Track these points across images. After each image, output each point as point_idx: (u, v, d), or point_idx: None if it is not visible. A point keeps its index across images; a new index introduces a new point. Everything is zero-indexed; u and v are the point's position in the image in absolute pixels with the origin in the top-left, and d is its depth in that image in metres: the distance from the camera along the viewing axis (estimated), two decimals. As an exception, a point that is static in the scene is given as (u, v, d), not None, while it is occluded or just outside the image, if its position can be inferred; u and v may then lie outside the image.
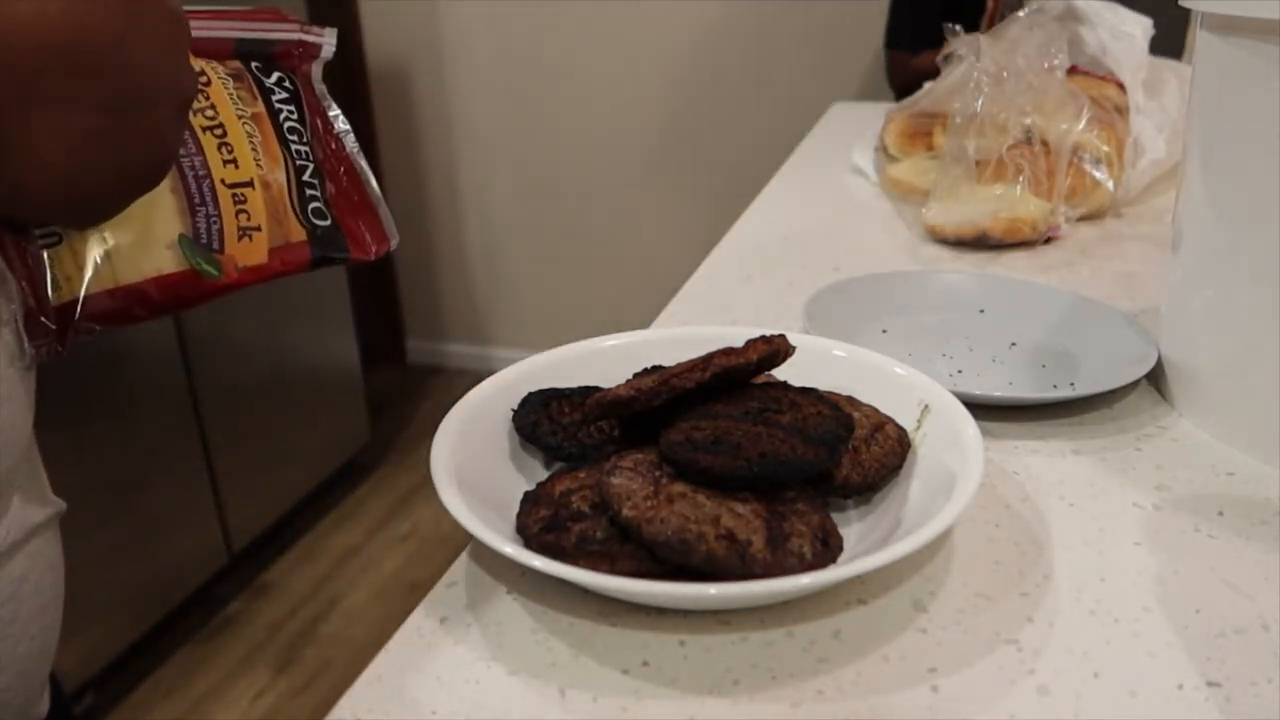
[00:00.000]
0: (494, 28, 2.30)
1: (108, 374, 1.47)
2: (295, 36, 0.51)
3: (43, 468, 0.48)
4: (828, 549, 0.39)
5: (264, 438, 1.84)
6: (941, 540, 0.44)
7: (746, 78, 2.18)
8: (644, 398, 0.43)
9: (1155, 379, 0.58)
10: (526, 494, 0.43)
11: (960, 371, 0.59)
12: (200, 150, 0.45)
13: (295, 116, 0.50)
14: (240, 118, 0.47)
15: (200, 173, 0.45)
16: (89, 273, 0.42)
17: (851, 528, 0.44)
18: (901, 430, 0.47)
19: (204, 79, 0.46)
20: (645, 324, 0.66)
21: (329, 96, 0.52)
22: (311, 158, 0.50)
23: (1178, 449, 0.51)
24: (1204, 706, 0.35)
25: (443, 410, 0.46)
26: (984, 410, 0.53)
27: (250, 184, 0.46)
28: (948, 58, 0.97)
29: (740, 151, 2.24)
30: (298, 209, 0.48)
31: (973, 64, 0.87)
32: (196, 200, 0.44)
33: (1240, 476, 0.49)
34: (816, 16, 2.09)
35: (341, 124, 0.52)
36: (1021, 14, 0.92)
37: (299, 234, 0.48)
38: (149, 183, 0.40)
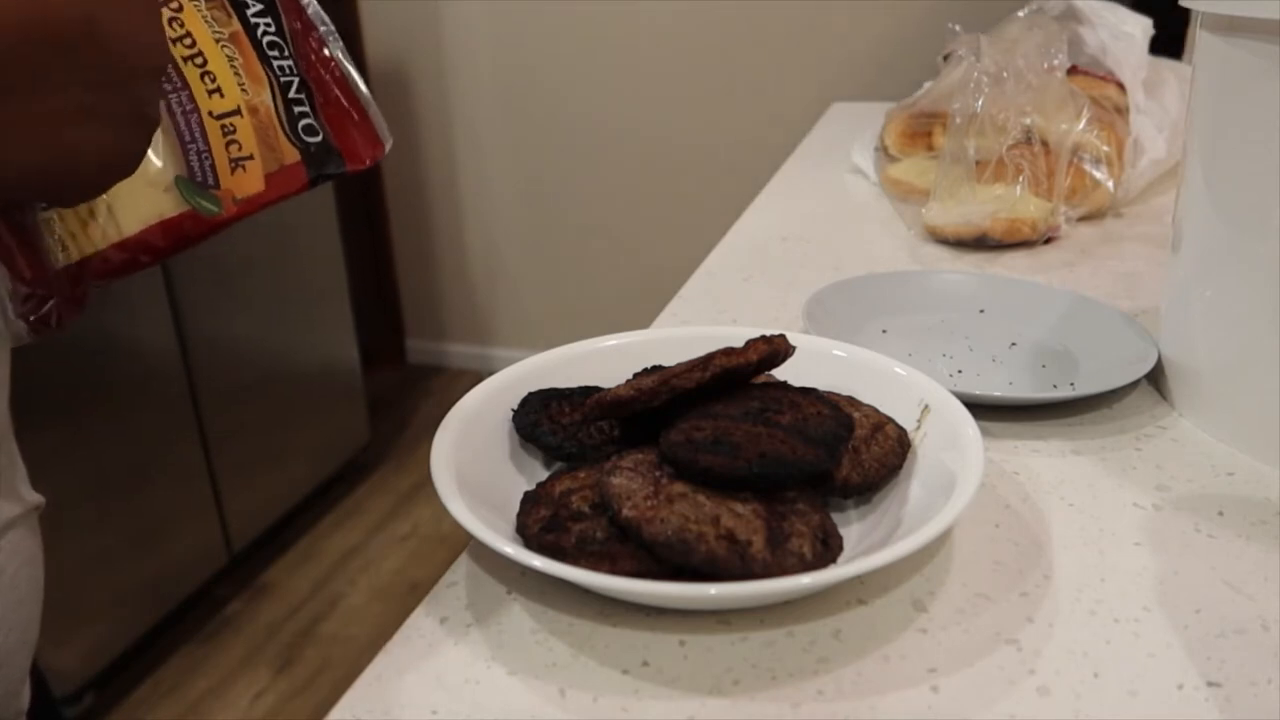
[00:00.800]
0: (494, 28, 2.30)
1: (108, 373, 1.47)
2: None
3: (21, 461, 0.48)
4: (828, 549, 0.39)
5: (264, 438, 1.84)
6: (941, 540, 0.44)
7: (746, 78, 2.18)
8: (644, 398, 0.43)
9: (1155, 379, 0.58)
10: (526, 494, 0.43)
11: (960, 371, 0.59)
12: (185, 84, 0.43)
13: (274, 30, 0.47)
14: (218, 40, 0.45)
15: (188, 108, 0.43)
16: (94, 229, 0.41)
17: (851, 528, 0.44)
18: (901, 430, 0.47)
19: (174, 4, 0.44)
20: (645, 324, 0.66)
21: None
22: (295, 70, 0.47)
23: (1178, 449, 0.51)
24: (1204, 706, 0.35)
25: (443, 410, 0.46)
26: (984, 410, 0.53)
27: (237, 112, 0.44)
28: (947, 57, 0.97)
29: (740, 151, 2.24)
30: (287, 129, 0.46)
31: (973, 64, 0.86)
32: (187, 138, 0.43)
33: (1240, 476, 0.49)
34: (816, 16, 2.09)
35: (322, 24, 0.49)
36: (1021, 14, 0.92)
37: (292, 155, 0.46)
38: (134, 159, 0.37)
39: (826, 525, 0.40)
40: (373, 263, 2.55)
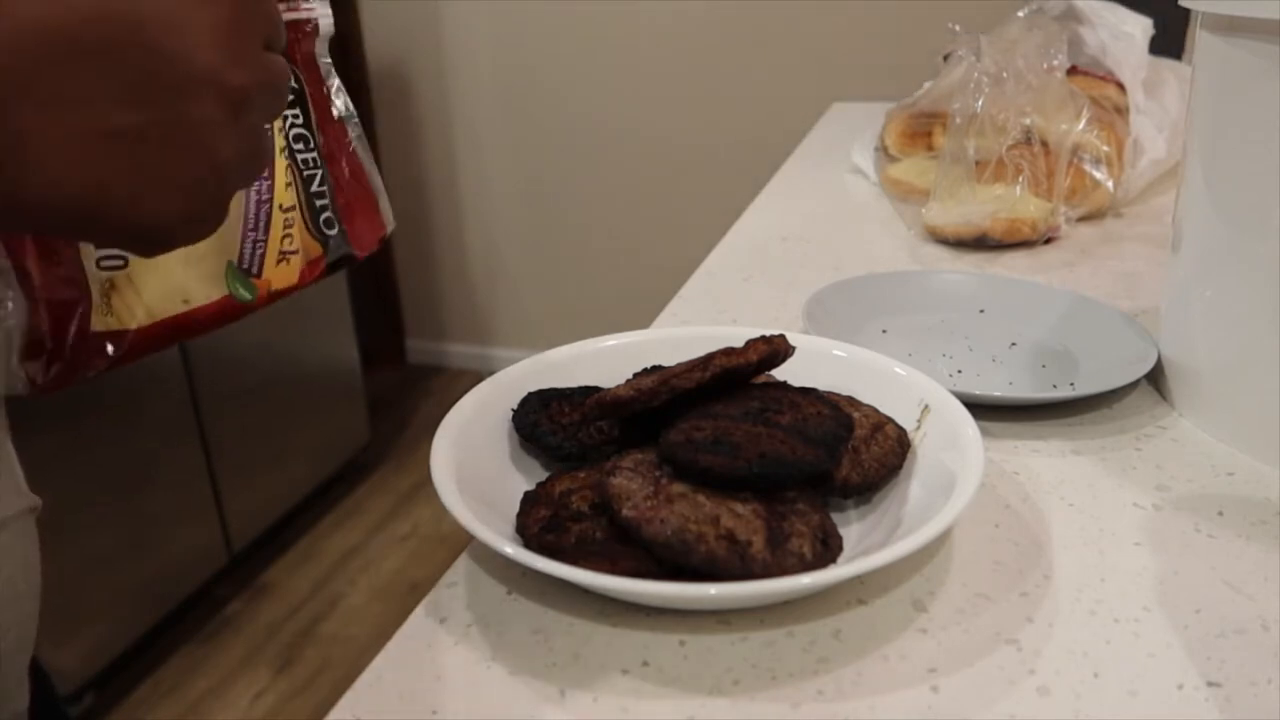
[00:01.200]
0: (494, 28, 2.30)
1: (108, 374, 1.47)
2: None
3: (17, 463, 0.48)
4: (828, 549, 0.39)
5: (264, 438, 1.84)
6: (941, 540, 0.44)
7: (746, 78, 2.18)
8: (644, 398, 0.43)
9: (1155, 379, 0.58)
10: (526, 494, 0.43)
11: (960, 371, 0.59)
12: (272, 174, 0.42)
13: (301, 122, 0.46)
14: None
15: (264, 197, 0.42)
16: (132, 303, 0.40)
17: (851, 528, 0.44)
18: (901, 430, 0.47)
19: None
20: (645, 324, 0.66)
21: (335, 74, 0.48)
22: (320, 163, 0.47)
23: (1178, 449, 0.51)
24: (1204, 706, 0.35)
25: (443, 410, 0.46)
26: (984, 410, 0.53)
27: (295, 207, 0.44)
28: (947, 57, 0.97)
29: (740, 151, 2.23)
30: (309, 222, 0.46)
31: (973, 64, 0.86)
32: (250, 225, 0.42)
33: (1240, 476, 0.49)
34: (816, 16, 2.09)
35: (343, 107, 0.48)
36: (1021, 14, 0.92)
37: (316, 249, 0.46)
38: (204, 195, 0.32)
39: (826, 525, 0.40)
40: (373, 263, 2.55)
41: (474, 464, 0.44)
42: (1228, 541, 0.44)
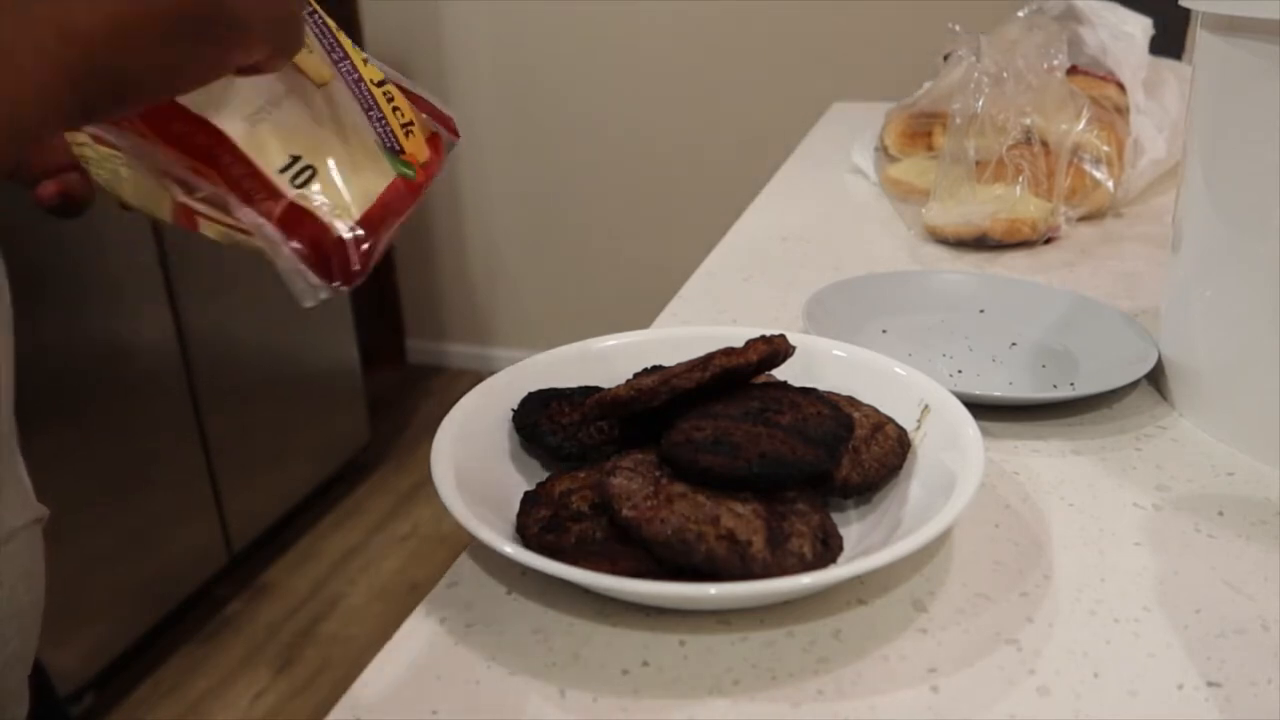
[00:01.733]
0: (494, 28, 2.30)
1: (108, 374, 1.47)
2: None
3: (25, 473, 0.48)
4: (828, 549, 0.39)
5: (264, 438, 1.84)
6: (941, 540, 0.44)
7: (747, 78, 2.18)
8: (644, 398, 0.43)
9: (1155, 379, 0.58)
10: (526, 494, 0.43)
11: (960, 371, 0.59)
12: (345, 52, 0.42)
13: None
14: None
15: (354, 75, 0.42)
16: (349, 193, 0.40)
17: (851, 528, 0.44)
18: (901, 430, 0.47)
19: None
20: (645, 324, 0.66)
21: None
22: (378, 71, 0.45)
23: (1178, 449, 0.51)
24: (1204, 706, 0.35)
25: (443, 410, 0.46)
26: (984, 410, 0.53)
27: (385, 81, 0.43)
28: (948, 57, 0.97)
29: (740, 151, 2.23)
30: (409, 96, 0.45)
31: (973, 64, 0.86)
32: (365, 105, 0.42)
33: (1240, 476, 0.49)
34: (816, 17, 2.09)
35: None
36: (1021, 14, 0.92)
37: (428, 125, 0.45)
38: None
39: (826, 525, 0.40)
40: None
41: (474, 464, 0.44)
42: (1228, 541, 0.44)
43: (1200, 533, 0.44)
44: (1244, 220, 0.50)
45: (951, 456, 0.44)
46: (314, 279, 0.40)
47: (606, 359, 0.53)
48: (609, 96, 2.29)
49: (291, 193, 0.39)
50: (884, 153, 1.02)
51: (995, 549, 0.43)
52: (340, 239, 0.39)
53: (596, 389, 0.49)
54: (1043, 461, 0.50)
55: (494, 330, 2.64)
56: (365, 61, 0.43)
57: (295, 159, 0.39)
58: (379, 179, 0.41)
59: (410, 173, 0.43)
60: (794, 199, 0.98)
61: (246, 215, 0.39)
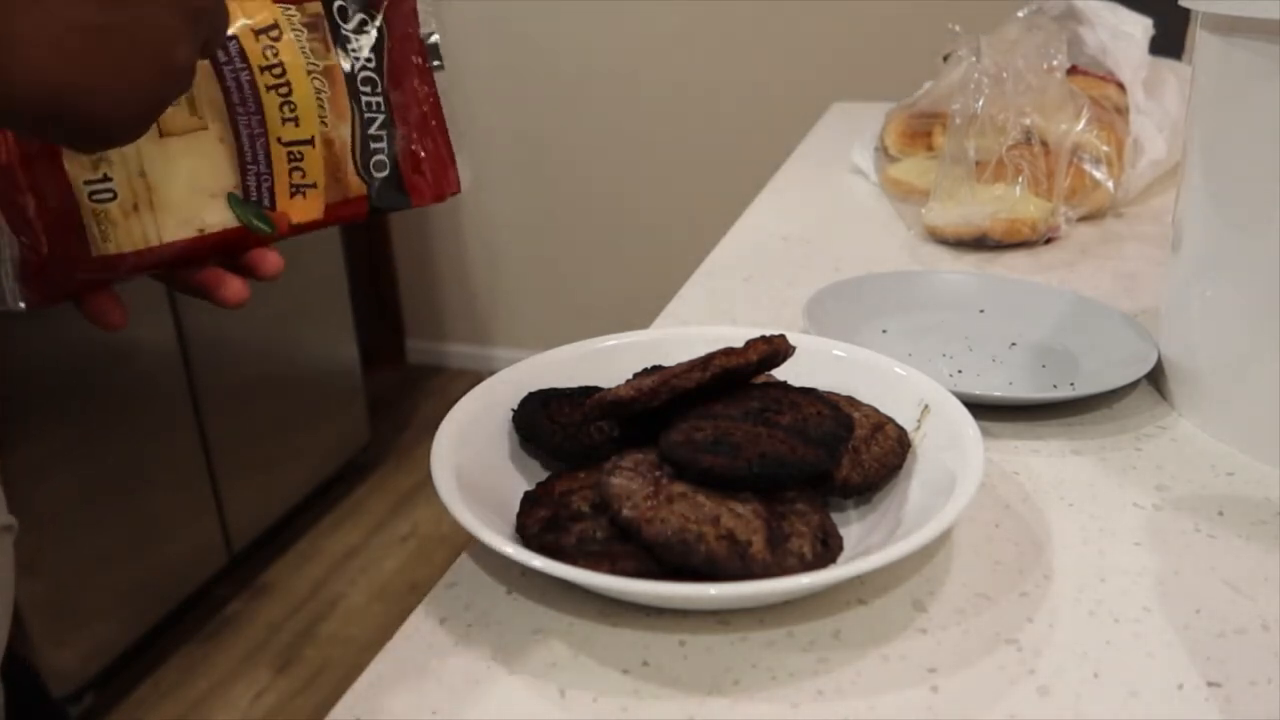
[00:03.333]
0: (494, 28, 2.30)
1: (108, 374, 1.47)
2: None
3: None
4: (828, 549, 0.39)
5: (264, 438, 1.84)
6: (941, 540, 0.44)
7: (747, 78, 2.18)
8: (644, 398, 0.43)
9: (1155, 379, 0.58)
10: (526, 494, 0.43)
11: (960, 371, 0.59)
12: (259, 109, 0.44)
13: (373, 66, 0.47)
14: (310, 73, 0.45)
15: (255, 131, 0.44)
16: (135, 226, 0.42)
17: (851, 528, 0.44)
18: (901, 430, 0.47)
19: (274, 32, 0.44)
20: (645, 324, 0.66)
21: (435, 24, 0.49)
22: (384, 108, 0.48)
23: (1178, 449, 0.51)
24: (1204, 706, 0.35)
25: (443, 410, 0.46)
26: (984, 410, 0.53)
27: (310, 142, 0.45)
28: (948, 58, 0.97)
29: (740, 151, 2.23)
30: (359, 163, 0.47)
31: (973, 64, 0.86)
32: (248, 159, 0.44)
33: (1240, 476, 0.49)
34: (816, 16, 2.09)
35: (437, 60, 0.50)
36: (1021, 14, 0.92)
37: (359, 188, 0.47)
38: (154, 96, 0.35)
39: (826, 525, 0.40)
40: (373, 263, 2.55)
41: (474, 464, 0.44)
42: (1228, 541, 0.44)
43: (1200, 533, 0.44)
44: (1244, 220, 0.50)
45: (951, 456, 0.44)
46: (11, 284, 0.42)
47: (606, 359, 0.53)
48: (608, 96, 2.29)
49: (81, 201, 0.41)
50: (884, 153, 1.02)
51: (995, 549, 0.43)
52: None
53: (596, 389, 0.49)
54: (1043, 461, 0.50)
55: (494, 330, 2.64)
56: (287, 121, 0.45)
57: (107, 179, 0.41)
58: (197, 220, 0.44)
59: (266, 228, 0.45)
60: (794, 199, 0.98)
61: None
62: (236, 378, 1.76)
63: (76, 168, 0.41)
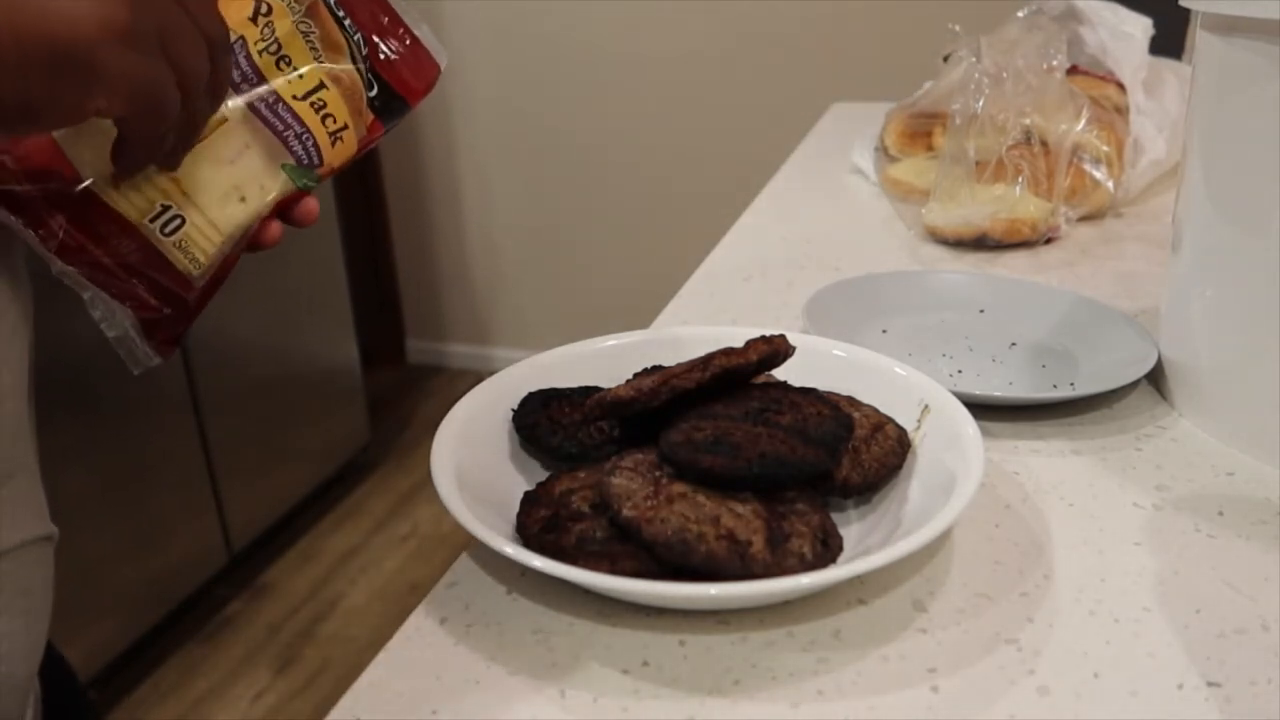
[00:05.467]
0: (495, 28, 2.30)
1: (108, 374, 1.47)
2: None
3: (41, 490, 0.46)
4: (828, 549, 0.39)
5: (264, 438, 1.84)
6: (941, 540, 0.44)
7: (747, 78, 2.18)
8: (644, 398, 0.43)
9: (1155, 379, 0.58)
10: (526, 494, 0.43)
11: (960, 371, 0.59)
12: (260, 77, 0.44)
13: None
14: (293, 14, 0.45)
15: (270, 100, 0.44)
16: (218, 243, 0.43)
17: (851, 528, 0.44)
18: (901, 430, 0.47)
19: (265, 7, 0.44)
20: (645, 324, 0.66)
21: None
22: (355, 24, 0.47)
23: (1178, 449, 0.51)
24: (1204, 706, 0.35)
25: (443, 410, 0.46)
26: (984, 410, 0.53)
27: (322, 86, 0.45)
28: (948, 58, 0.97)
29: (740, 151, 2.23)
30: (365, 92, 0.47)
31: (972, 65, 0.86)
32: (281, 127, 0.44)
33: (1240, 476, 0.49)
34: (816, 17, 2.09)
35: None
36: (1021, 14, 0.92)
37: (370, 115, 0.47)
38: (38, 31, 0.33)
39: (826, 525, 0.40)
40: (373, 263, 2.55)
41: (474, 464, 0.44)
42: (1228, 541, 0.44)
43: (1200, 533, 0.44)
44: (1244, 220, 0.50)
45: (951, 456, 0.44)
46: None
47: (606, 359, 0.53)
48: (609, 96, 2.29)
49: (156, 238, 0.42)
50: (884, 153, 1.02)
51: (995, 549, 0.43)
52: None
53: (596, 389, 0.49)
54: (1043, 461, 0.50)
55: (494, 330, 2.64)
56: (294, 77, 0.44)
57: (166, 208, 0.42)
58: (260, 205, 0.44)
59: (312, 184, 0.46)
60: (794, 199, 0.98)
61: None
62: (236, 378, 1.76)
63: (133, 210, 0.41)
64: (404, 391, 2.58)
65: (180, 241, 0.42)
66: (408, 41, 0.49)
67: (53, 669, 0.50)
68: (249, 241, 0.46)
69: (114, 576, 1.51)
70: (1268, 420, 0.49)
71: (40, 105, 0.34)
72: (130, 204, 0.41)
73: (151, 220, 0.42)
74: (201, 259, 0.43)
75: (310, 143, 0.45)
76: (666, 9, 2.17)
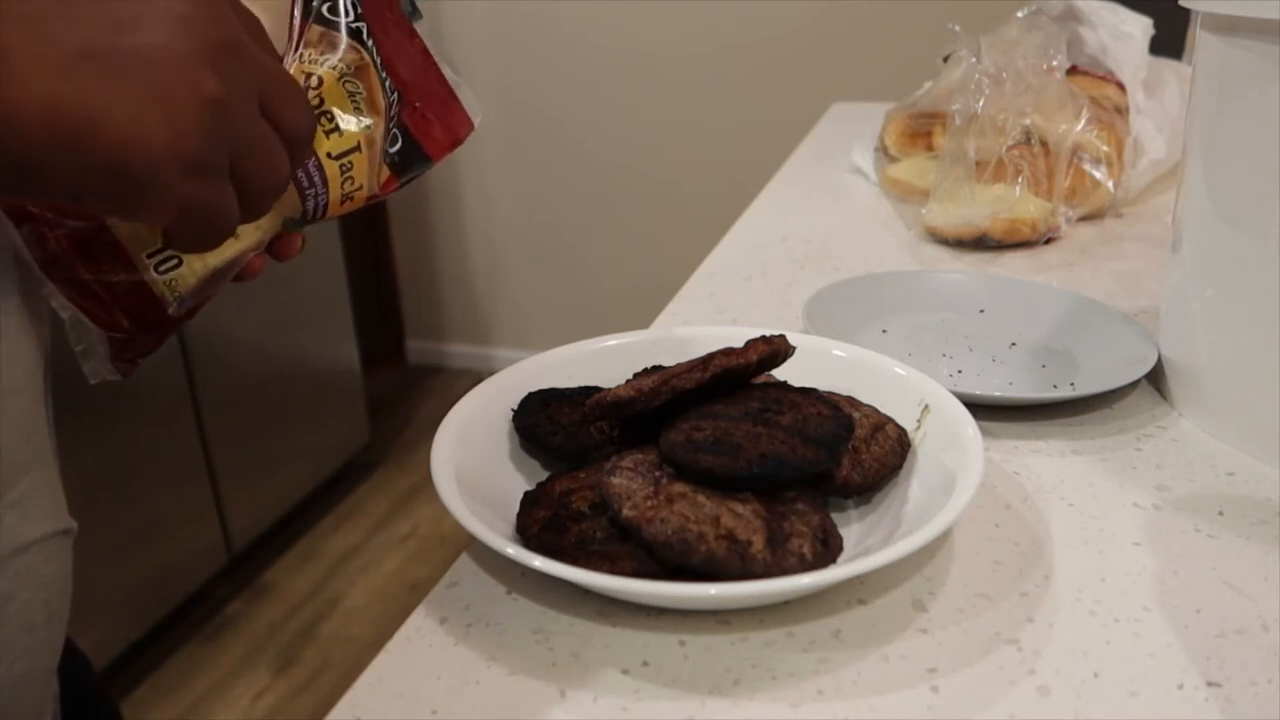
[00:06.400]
0: (494, 28, 2.30)
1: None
2: None
3: (59, 484, 0.46)
4: (828, 549, 0.39)
5: (264, 438, 1.84)
6: (941, 540, 0.44)
7: (747, 78, 2.18)
8: (644, 398, 0.43)
9: (1155, 379, 0.58)
10: (526, 494, 0.43)
11: (960, 371, 0.59)
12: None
13: (372, 42, 0.46)
14: (342, 79, 0.44)
15: (313, 160, 0.43)
16: (201, 275, 0.43)
17: (851, 528, 0.44)
18: (901, 430, 0.47)
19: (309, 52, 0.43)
20: (645, 324, 0.66)
21: None
22: (395, 81, 0.46)
23: (1178, 449, 0.51)
24: (1204, 706, 0.35)
25: (443, 410, 0.46)
26: (984, 410, 0.53)
27: (357, 148, 0.44)
28: (948, 58, 0.97)
29: (740, 151, 2.23)
30: (386, 148, 0.46)
31: (972, 65, 0.86)
32: (305, 184, 0.43)
33: (1240, 476, 0.49)
34: (816, 17, 2.09)
35: (407, 4, 0.47)
36: (1021, 14, 0.92)
37: (385, 172, 0.46)
38: (178, 125, 0.32)
39: (826, 525, 0.40)
40: (373, 263, 2.55)
41: (474, 464, 0.44)
42: (1228, 541, 0.44)
43: (1200, 533, 0.44)
44: (1244, 220, 0.50)
45: (951, 456, 0.44)
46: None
47: (606, 359, 0.53)
48: (609, 97, 2.29)
49: (150, 277, 0.42)
50: (884, 153, 1.02)
51: (995, 549, 0.43)
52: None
53: (596, 389, 0.49)
54: (1043, 461, 0.50)
55: (494, 330, 2.64)
56: (332, 132, 0.44)
57: (166, 246, 0.41)
58: (249, 243, 0.44)
59: (300, 228, 0.45)
60: (794, 199, 0.98)
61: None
62: (236, 378, 1.76)
63: (135, 243, 0.41)
64: (404, 391, 2.58)
65: (169, 281, 0.42)
66: (444, 95, 0.48)
67: (71, 665, 0.50)
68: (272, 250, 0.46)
69: (114, 576, 1.52)
70: (1268, 420, 0.49)
71: (90, 200, 0.33)
72: (136, 239, 0.41)
73: (149, 256, 0.41)
74: (182, 290, 0.43)
75: (323, 201, 0.44)
76: (666, 9, 2.17)
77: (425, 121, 0.48)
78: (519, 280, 2.55)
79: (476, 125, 0.50)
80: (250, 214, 0.37)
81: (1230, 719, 0.34)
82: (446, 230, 2.55)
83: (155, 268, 0.41)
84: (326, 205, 0.44)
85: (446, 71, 0.49)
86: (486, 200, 2.49)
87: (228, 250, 0.43)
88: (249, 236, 0.43)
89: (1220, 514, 0.46)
